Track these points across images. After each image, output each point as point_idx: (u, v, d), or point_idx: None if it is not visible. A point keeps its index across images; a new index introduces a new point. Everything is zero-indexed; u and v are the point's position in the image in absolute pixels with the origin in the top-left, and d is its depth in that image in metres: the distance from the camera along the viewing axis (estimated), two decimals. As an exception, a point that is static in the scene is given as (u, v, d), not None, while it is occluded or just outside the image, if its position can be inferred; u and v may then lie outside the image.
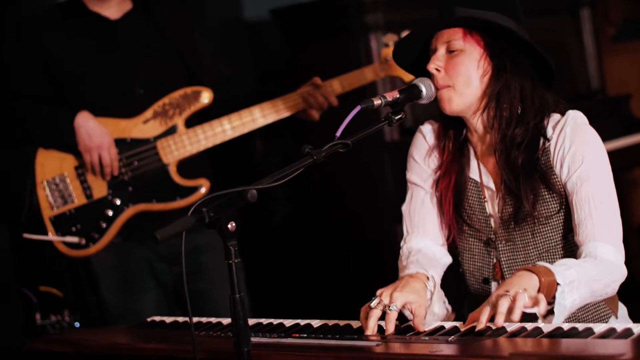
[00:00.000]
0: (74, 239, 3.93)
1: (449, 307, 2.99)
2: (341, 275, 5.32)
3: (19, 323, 4.38)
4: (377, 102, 2.81)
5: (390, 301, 2.74)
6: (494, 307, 2.57)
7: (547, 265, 2.68)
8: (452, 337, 2.49)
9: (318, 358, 2.49)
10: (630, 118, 5.70)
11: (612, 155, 5.39)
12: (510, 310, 2.54)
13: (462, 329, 2.62)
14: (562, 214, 2.94)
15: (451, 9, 2.95)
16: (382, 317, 2.71)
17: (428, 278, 2.94)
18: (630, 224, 5.89)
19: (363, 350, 2.50)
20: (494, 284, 3.05)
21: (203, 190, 4.01)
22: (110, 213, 3.95)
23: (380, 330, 2.69)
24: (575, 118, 2.96)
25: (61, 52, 4.00)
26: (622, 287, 2.88)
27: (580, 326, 2.49)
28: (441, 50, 2.94)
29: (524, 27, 2.97)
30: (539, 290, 2.61)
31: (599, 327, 2.46)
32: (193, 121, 4.05)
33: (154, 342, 2.87)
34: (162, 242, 2.39)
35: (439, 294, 2.97)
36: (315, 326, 2.86)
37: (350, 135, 2.74)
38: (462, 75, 2.92)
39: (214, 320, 3.07)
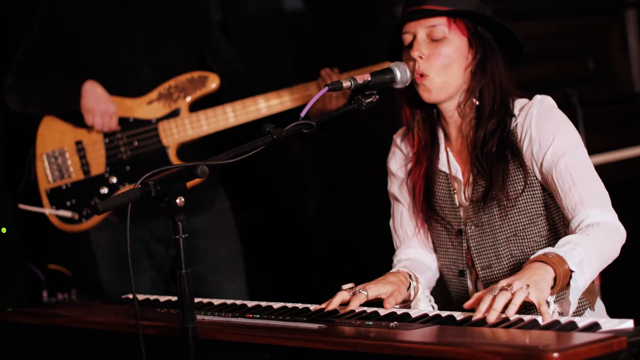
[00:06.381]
0: (67, 214, 3.94)
1: (435, 306, 2.96)
2: (361, 267, 5.26)
3: (24, 300, 4.41)
4: (346, 84, 2.76)
5: (363, 289, 2.76)
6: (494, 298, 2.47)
7: (557, 251, 2.59)
8: (394, 323, 2.43)
9: (257, 337, 2.46)
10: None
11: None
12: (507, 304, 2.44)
13: (431, 315, 2.57)
14: (527, 195, 2.89)
15: None
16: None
17: (411, 276, 2.92)
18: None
19: (300, 331, 2.47)
20: (469, 275, 3.00)
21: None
22: (105, 190, 3.94)
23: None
24: (542, 101, 2.92)
25: (75, 26, 4.01)
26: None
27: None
28: (422, 36, 2.89)
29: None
30: (555, 280, 2.53)
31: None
32: (201, 107, 4.04)
33: (112, 317, 2.88)
34: (103, 213, 2.38)
35: (425, 292, 2.95)
36: (275, 307, 2.84)
37: (317, 117, 2.71)
38: (446, 65, 2.88)
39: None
